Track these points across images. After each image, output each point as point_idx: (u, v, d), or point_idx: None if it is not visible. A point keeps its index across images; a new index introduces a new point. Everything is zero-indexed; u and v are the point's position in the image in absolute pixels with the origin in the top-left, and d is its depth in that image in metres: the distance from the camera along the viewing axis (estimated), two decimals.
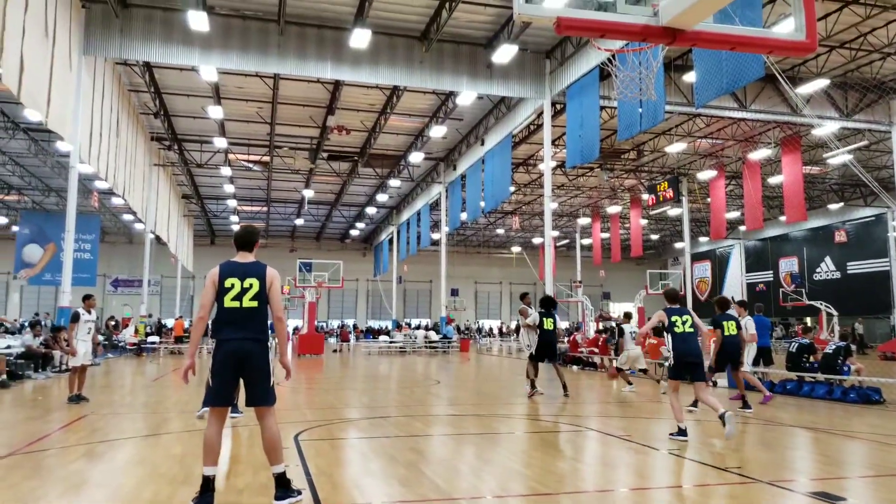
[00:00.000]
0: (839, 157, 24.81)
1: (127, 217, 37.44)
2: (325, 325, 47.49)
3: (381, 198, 36.59)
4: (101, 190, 29.24)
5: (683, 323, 7.29)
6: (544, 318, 11.73)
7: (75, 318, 10.18)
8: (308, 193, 34.59)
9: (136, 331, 27.26)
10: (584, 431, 8.15)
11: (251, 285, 4.40)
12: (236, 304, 4.37)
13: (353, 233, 48.33)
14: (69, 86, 15.87)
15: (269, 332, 4.70)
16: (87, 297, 10.55)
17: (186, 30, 17.03)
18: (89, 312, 10.36)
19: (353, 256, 49.65)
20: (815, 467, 6.14)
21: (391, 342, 30.58)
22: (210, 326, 4.92)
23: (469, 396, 12.35)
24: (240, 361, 4.37)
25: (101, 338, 23.61)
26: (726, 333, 9.37)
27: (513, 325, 37.18)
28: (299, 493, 4.46)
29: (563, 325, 42.55)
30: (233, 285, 4.38)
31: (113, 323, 29.01)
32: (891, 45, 18.65)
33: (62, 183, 26.35)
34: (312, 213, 41.72)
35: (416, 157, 27.97)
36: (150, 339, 26.99)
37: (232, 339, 4.35)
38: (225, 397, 4.48)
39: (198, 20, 16.16)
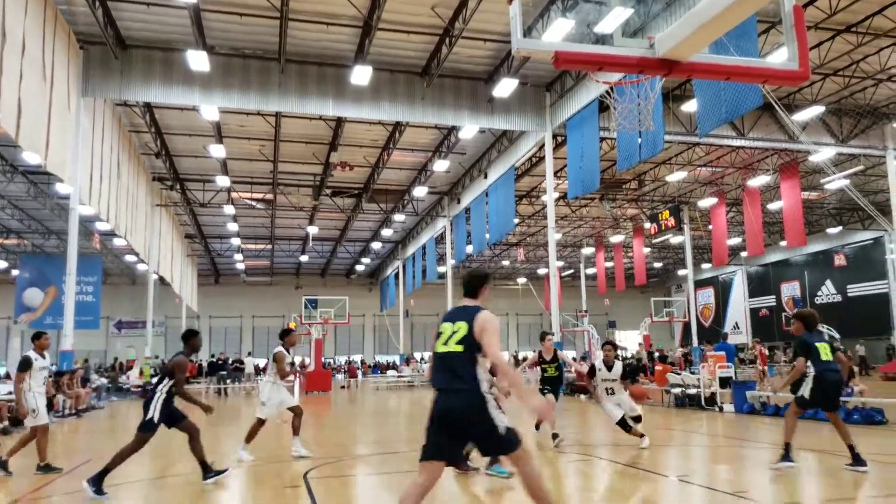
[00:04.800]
0: (836, 183, 24.94)
1: (129, 258, 37.56)
2: (332, 361, 47.22)
3: (386, 233, 36.68)
4: (102, 231, 29.39)
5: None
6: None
7: (26, 364, 7.79)
8: (312, 230, 34.71)
9: (141, 372, 27.12)
10: (592, 460, 8.04)
11: (459, 329, 4.09)
12: (444, 348, 4.09)
13: (359, 268, 48.30)
14: (68, 128, 16.00)
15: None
16: (38, 336, 8.09)
17: (186, 70, 17.23)
18: (43, 356, 7.98)
19: (359, 292, 49.54)
20: (822, 489, 6.06)
21: (399, 377, 30.35)
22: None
23: None
24: (447, 423, 3.95)
25: (103, 381, 23.51)
26: (823, 358, 7.08)
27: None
28: None
29: (570, 354, 42.13)
30: (443, 331, 4.16)
31: (118, 364, 28.90)
32: (883, 71, 18.91)
33: (62, 225, 26.48)
34: (317, 250, 41.79)
35: (420, 192, 28.13)
36: (156, 380, 26.82)
37: (438, 393, 4.03)
38: (430, 452, 3.98)
39: (198, 60, 16.41)
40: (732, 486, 6.20)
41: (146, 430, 6.65)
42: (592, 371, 9.19)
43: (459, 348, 3.98)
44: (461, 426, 3.91)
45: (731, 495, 5.77)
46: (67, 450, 9.78)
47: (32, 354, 7.90)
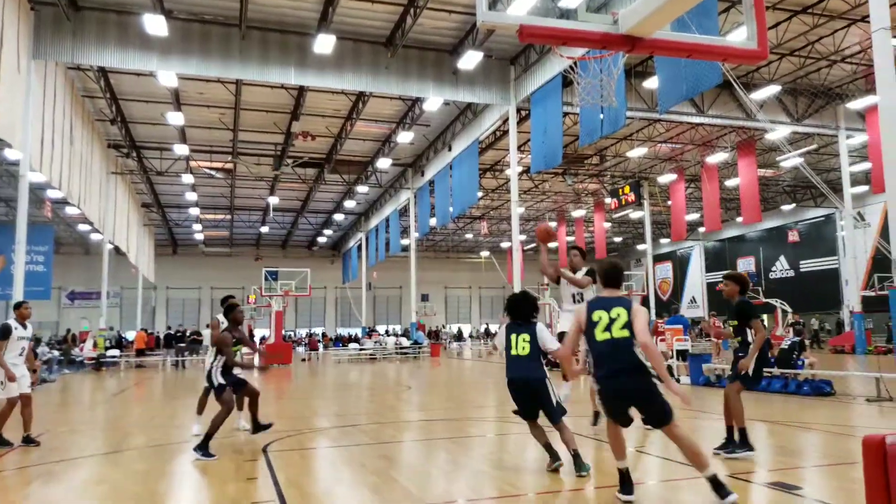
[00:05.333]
0: (791, 161, 25.61)
1: (83, 227, 36.44)
2: (292, 334, 46.95)
3: (349, 204, 36.37)
4: (54, 199, 28.38)
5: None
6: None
7: (4, 332, 7.46)
8: (273, 200, 34.20)
9: (96, 344, 26.52)
10: (553, 432, 8.20)
11: (618, 315, 4.46)
12: (607, 335, 4.46)
13: (321, 240, 47.93)
14: (18, 91, 15.31)
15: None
16: (18, 305, 7.94)
17: (143, 34, 16.65)
18: (24, 326, 7.75)
19: (321, 264, 49.22)
20: (772, 459, 6.30)
21: (361, 349, 30.35)
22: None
23: (440, 401, 12.35)
24: (622, 400, 4.55)
25: (55, 353, 22.91)
26: None
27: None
28: (731, 496, 4.25)
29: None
30: (600, 318, 4.49)
31: (71, 336, 28.19)
32: (837, 52, 19.36)
33: (12, 192, 25.40)
34: (278, 221, 41.25)
35: (383, 163, 27.91)
36: (111, 352, 26.28)
37: (609, 377, 4.49)
38: (621, 420, 4.65)
39: (155, 24, 15.85)
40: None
41: (220, 393, 7.02)
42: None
43: (626, 333, 4.42)
44: (634, 400, 4.51)
45: (684, 465, 5.95)
46: (19, 424, 9.52)
47: (13, 323, 7.64)
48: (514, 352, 5.53)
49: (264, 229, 43.10)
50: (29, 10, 16.07)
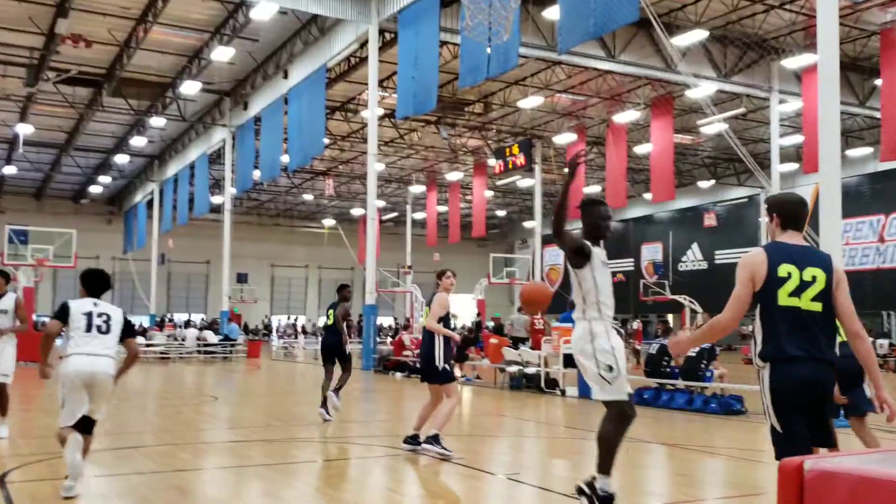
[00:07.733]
0: (714, 126, 27.68)
1: None
2: (47, 319, 44.15)
3: (138, 142, 34.91)
4: None
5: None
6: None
7: None
8: (25, 129, 31.94)
9: None
10: (404, 455, 8.39)
11: (814, 278, 3.91)
12: (794, 301, 3.90)
13: (94, 190, 46.04)
14: None
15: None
16: None
17: None
18: None
19: (94, 223, 46.96)
20: (671, 488, 6.86)
21: (148, 345, 29.26)
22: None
23: (257, 416, 12.24)
24: (813, 394, 3.91)
25: None
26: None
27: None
28: None
29: (388, 320, 43.98)
30: (789, 275, 3.91)
31: None
32: None
33: None
34: (31, 160, 38.83)
35: (190, 88, 26.95)
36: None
37: (799, 360, 3.85)
38: (804, 446, 3.84)
39: None
40: (570, 484, 6.78)
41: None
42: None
43: (818, 307, 3.94)
44: (821, 404, 3.98)
45: (567, 497, 6.31)
46: None
47: None
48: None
49: (10, 170, 40.41)
50: None
